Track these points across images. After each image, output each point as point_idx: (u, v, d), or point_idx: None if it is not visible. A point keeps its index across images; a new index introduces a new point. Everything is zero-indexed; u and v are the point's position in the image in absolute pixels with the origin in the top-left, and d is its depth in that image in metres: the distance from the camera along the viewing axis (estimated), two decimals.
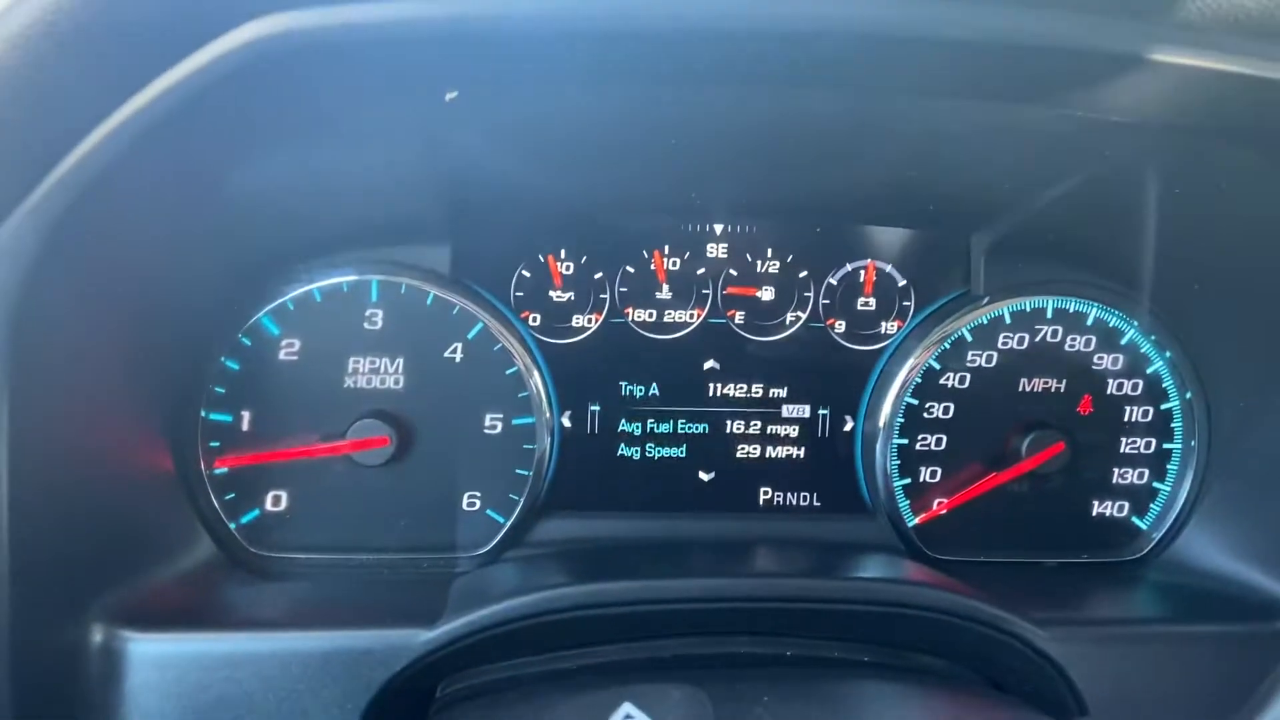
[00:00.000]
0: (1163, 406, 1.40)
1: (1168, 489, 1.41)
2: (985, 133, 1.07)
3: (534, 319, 1.35)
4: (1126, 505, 1.41)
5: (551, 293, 1.35)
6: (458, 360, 1.32)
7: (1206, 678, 1.15)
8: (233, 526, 1.30)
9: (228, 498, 1.29)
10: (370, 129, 1.03)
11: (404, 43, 0.78)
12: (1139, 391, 1.40)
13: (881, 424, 1.38)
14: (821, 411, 1.41)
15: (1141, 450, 1.40)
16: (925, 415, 1.39)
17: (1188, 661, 1.16)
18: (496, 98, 0.93)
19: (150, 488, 1.20)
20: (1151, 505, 1.41)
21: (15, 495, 0.92)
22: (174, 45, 0.76)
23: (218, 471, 1.29)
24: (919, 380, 1.38)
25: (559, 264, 1.35)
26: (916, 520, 1.40)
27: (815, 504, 1.42)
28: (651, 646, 1.16)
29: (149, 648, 1.04)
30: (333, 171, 1.12)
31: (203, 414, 1.28)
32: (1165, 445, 1.40)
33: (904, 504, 1.40)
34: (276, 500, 1.31)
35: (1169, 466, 1.40)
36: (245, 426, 1.29)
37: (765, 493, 1.42)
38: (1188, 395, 1.39)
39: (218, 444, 1.29)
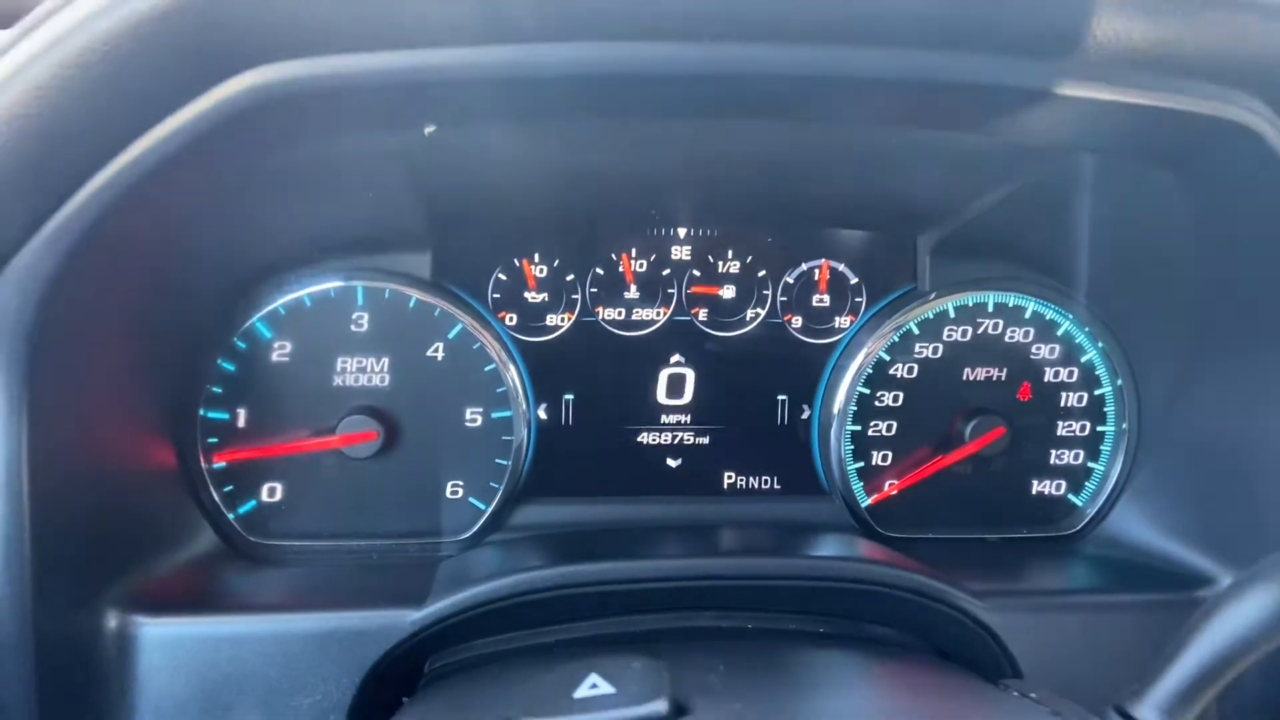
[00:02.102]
0: (1096, 392, 1.49)
1: (1101, 468, 1.50)
2: (920, 152, 1.17)
3: (510, 319, 1.43)
4: (1063, 484, 1.51)
5: (526, 294, 1.43)
6: (439, 359, 1.40)
7: (1132, 642, 1.24)
8: (231, 517, 1.37)
9: (226, 490, 1.37)
10: (356, 155, 1.11)
11: (387, 88, 0.86)
12: (1074, 379, 1.49)
13: (836, 411, 1.47)
14: (780, 400, 1.50)
15: (1077, 433, 1.50)
16: (876, 403, 1.48)
17: (1115, 628, 1.25)
18: (471, 130, 1.02)
19: (155, 482, 1.28)
20: (1086, 484, 1.51)
21: (36, 492, 0.99)
22: (184, 89, 0.84)
23: (216, 466, 1.36)
24: (870, 371, 1.47)
25: (533, 267, 1.43)
26: (869, 501, 1.50)
27: (775, 487, 1.51)
28: (624, 622, 1.24)
29: (159, 631, 1.11)
30: (321, 190, 1.19)
31: (201, 412, 1.35)
32: (1099, 428, 1.50)
33: (857, 486, 1.49)
34: (272, 492, 1.39)
35: (1102, 448, 1.50)
36: (241, 423, 1.37)
37: (729, 477, 1.51)
38: (1118, 382, 1.49)
39: (216, 440, 1.36)
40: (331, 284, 1.37)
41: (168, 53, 0.84)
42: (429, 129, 0.95)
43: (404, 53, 0.83)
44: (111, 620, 1.10)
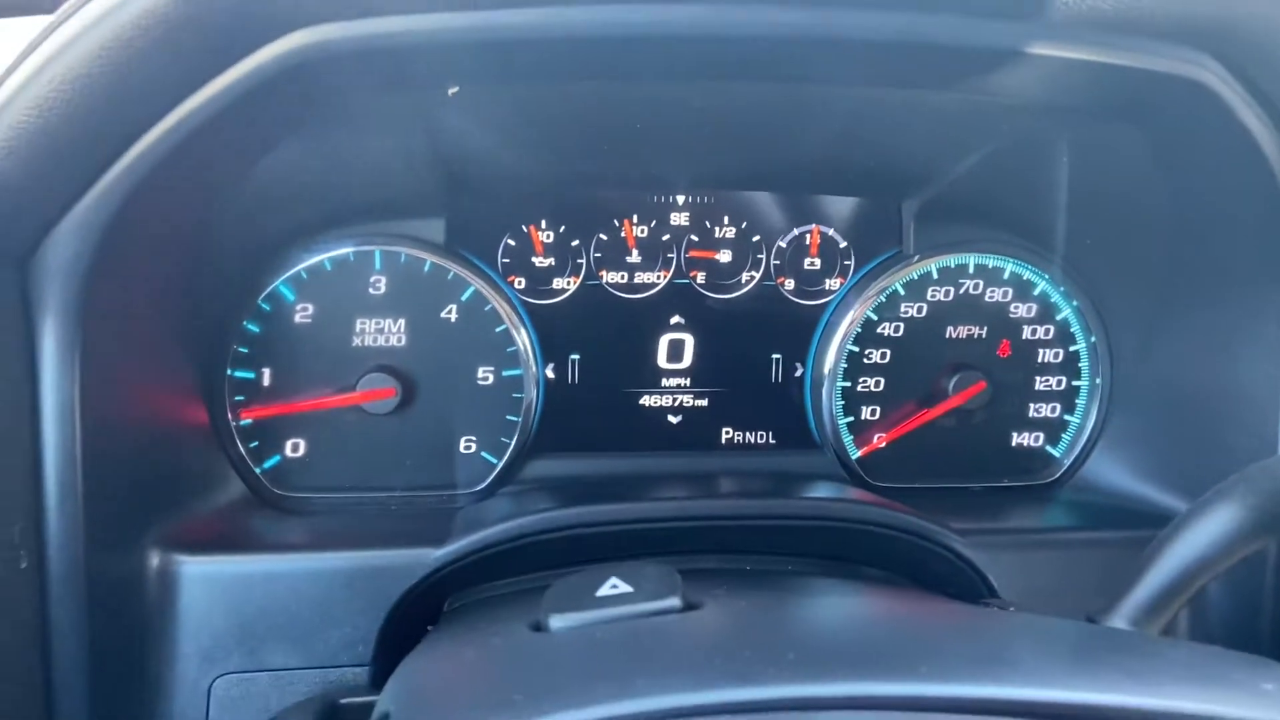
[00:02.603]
0: (1071, 348, 1.58)
1: (1077, 420, 1.59)
2: (902, 114, 1.25)
3: (519, 282, 1.50)
4: (1041, 435, 1.59)
5: (534, 259, 1.50)
6: (453, 320, 1.47)
7: (1106, 576, 1.33)
8: (258, 471, 1.44)
9: (252, 445, 1.43)
10: (377, 121, 1.18)
11: (414, 50, 0.94)
12: (1050, 336, 1.57)
13: (827, 370, 1.55)
14: (775, 359, 1.57)
15: (1053, 387, 1.58)
16: (865, 361, 1.56)
17: (1090, 563, 1.33)
18: (489, 92, 1.10)
19: (189, 436, 1.34)
20: (1063, 435, 1.59)
21: (87, 436, 1.07)
22: (229, 53, 0.92)
23: (243, 423, 1.43)
24: (859, 330, 1.54)
25: (540, 233, 1.50)
26: (859, 453, 1.57)
27: (770, 441, 1.59)
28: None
29: (198, 569, 1.17)
30: (343, 157, 1.26)
31: (229, 371, 1.42)
32: (1074, 383, 1.58)
33: (848, 439, 1.57)
34: (295, 447, 1.45)
35: (1077, 401, 1.58)
36: (266, 382, 1.43)
37: (726, 432, 1.58)
38: (1092, 339, 1.57)
39: (242, 398, 1.43)
40: (350, 249, 1.44)
41: (215, 20, 0.92)
42: (452, 90, 1.03)
43: (430, 16, 0.91)
44: (154, 559, 1.17)
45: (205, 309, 1.35)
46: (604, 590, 0.87)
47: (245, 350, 1.43)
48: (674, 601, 0.85)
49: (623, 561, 0.91)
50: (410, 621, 1.22)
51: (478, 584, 1.29)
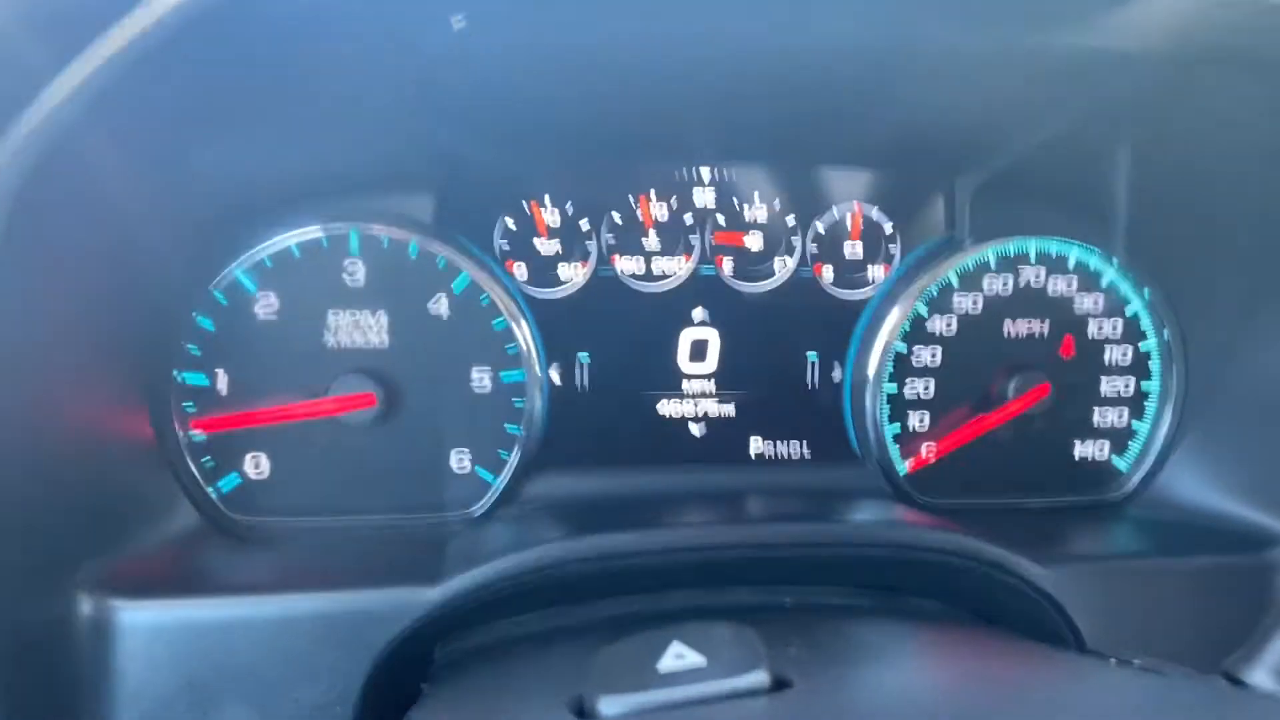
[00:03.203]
0: (1141, 347, 1.42)
1: (1147, 428, 1.43)
2: (979, 69, 1.07)
3: (520, 270, 1.33)
4: (1106, 446, 1.44)
5: (537, 242, 1.33)
6: (443, 314, 1.30)
7: (1200, 608, 1.17)
8: (212, 493, 1.26)
9: (206, 463, 1.26)
10: (355, 70, 0.98)
11: None
12: (1118, 332, 1.42)
13: (870, 372, 1.38)
14: (810, 359, 1.40)
15: (1121, 391, 1.43)
16: (913, 362, 1.39)
17: (1181, 593, 1.18)
18: (493, 32, 0.89)
19: (127, 455, 1.17)
20: (1130, 445, 1.44)
21: (7, 464, 0.87)
22: None
23: (195, 436, 1.25)
24: (907, 327, 1.38)
25: (544, 211, 1.33)
26: (906, 467, 1.40)
27: (805, 454, 1.42)
28: (653, 599, 1.14)
29: (139, 616, 1.00)
30: (314, 116, 1.07)
31: (177, 375, 1.23)
32: (1144, 385, 1.43)
33: (893, 451, 1.40)
34: (257, 464, 1.27)
35: (1147, 406, 1.43)
36: (222, 388, 1.26)
37: (756, 444, 1.41)
38: (1165, 335, 1.41)
39: (193, 406, 1.25)
40: (322, 230, 1.25)
41: None
42: (457, 21, 0.83)
43: None
44: (85, 604, 1.00)
45: (146, 299, 1.16)
46: (667, 662, 0.67)
47: (196, 350, 1.25)
48: (760, 677, 0.65)
49: (685, 622, 0.71)
50: (398, 676, 1.04)
51: (475, 625, 1.11)
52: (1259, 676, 0.84)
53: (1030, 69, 1.07)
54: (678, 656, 0.67)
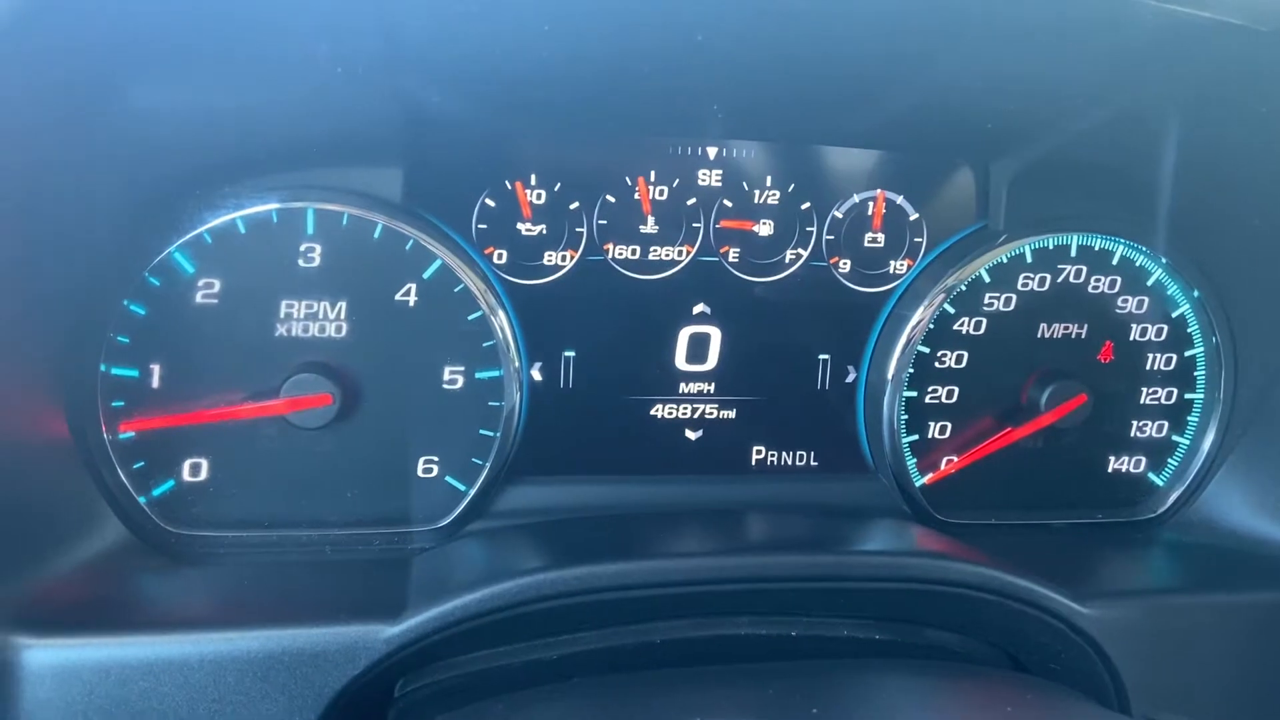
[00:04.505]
0: (1186, 353, 1.33)
1: (1187, 442, 1.35)
2: (1032, 34, 0.95)
3: (499, 256, 1.23)
4: (1143, 461, 1.36)
5: (520, 225, 1.23)
6: (411, 304, 1.19)
7: (1254, 652, 1.08)
8: (143, 501, 1.16)
9: (136, 467, 1.16)
10: (310, 16, 0.84)
11: None
12: (1163, 337, 1.33)
13: (889, 375, 1.28)
14: (822, 359, 1.30)
15: (1162, 401, 1.34)
16: (936, 365, 1.30)
17: (1234, 635, 1.10)
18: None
19: (41, 458, 1.08)
20: (1169, 460, 1.35)
21: None
22: None
23: (123, 436, 1.15)
24: (931, 326, 1.27)
25: (528, 192, 1.22)
26: (924, 480, 1.31)
27: (812, 464, 1.33)
28: (641, 630, 1.06)
29: (48, 655, 0.91)
30: (263, 73, 0.94)
31: (103, 368, 1.13)
32: (1186, 395, 1.34)
33: (910, 462, 1.31)
34: (195, 469, 1.18)
35: (1189, 418, 1.35)
36: (155, 383, 1.16)
37: (758, 452, 1.32)
38: (1214, 340, 1.33)
39: (122, 404, 1.15)
40: (273, 205, 1.15)
41: None
42: None
43: None
44: None
45: (67, 285, 1.05)
46: None
47: (126, 340, 1.15)
48: None
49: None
50: None
51: (438, 660, 1.00)
52: None
53: (1094, 39, 0.95)
54: None
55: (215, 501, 1.18)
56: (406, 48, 0.96)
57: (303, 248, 1.16)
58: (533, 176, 1.22)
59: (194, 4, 0.79)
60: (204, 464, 1.17)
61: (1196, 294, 1.31)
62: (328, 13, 0.88)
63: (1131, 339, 1.32)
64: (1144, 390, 1.34)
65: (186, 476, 1.17)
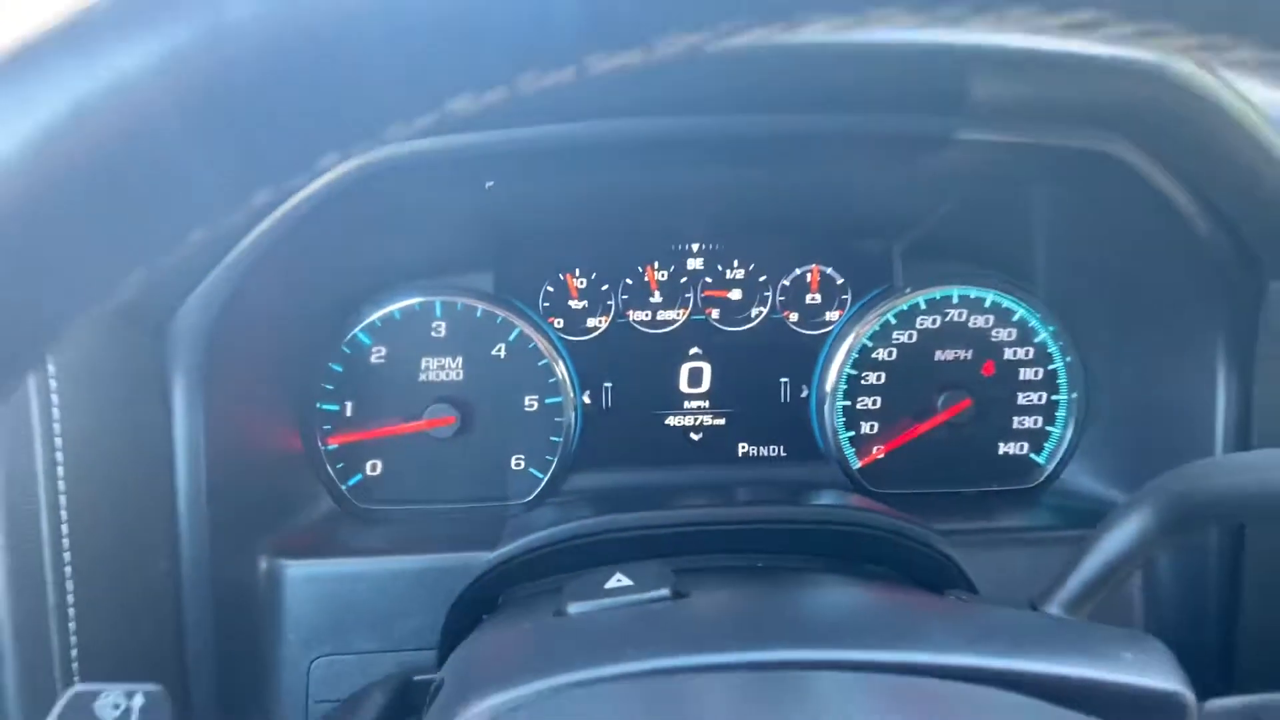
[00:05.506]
0: (1050, 367, 1.73)
1: (1057, 431, 1.74)
2: (881, 175, 1.45)
3: (558, 323, 1.68)
4: (1026, 445, 1.75)
5: (570, 302, 1.68)
6: (502, 357, 1.65)
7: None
8: (343, 488, 1.62)
9: (339, 467, 1.61)
10: (439, 204, 1.44)
11: (457, 161, 1.20)
12: (1030, 356, 1.72)
13: (829, 390, 1.73)
14: (783, 382, 1.76)
15: (1035, 402, 1.74)
16: (862, 382, 1.73)
17: (1059, 557, 1.52)
18: (529, 179, 1.36)
19: (287, 462, 1.55)
20: (1045, 444, 1.75)
21: (211, 470, 1.30)
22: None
23: (330, 447, 1.61)
24: (856, 355, 1.72)
25: (575, 280, 1.68)
26: (860, 463, 1.75)
27: (781, 454, 1.77)
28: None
29: (298, 571, 1.39)
30: (412, 230, 1.51)
31: (318, 405, 1.60)
32: (1054, 397, 1.74)
33: (849, 451, 1.74)
34: (374, 467, 1.63)
35: (1057, 414, 1.74)
36: (348, 413, 1.61)
37: (742, 447, 1.77)
38: (1068, 359, 1.72)
39: (329, 427, 1.61)
40: (416, 299, 1.63)
41: None
42: (489, 184, 1.29)
43: (473, 134, 1.17)
44: (263, 563, 1.39)
45: (299, 356, 1.57)
46: (610, 584, 1.11)
47: (330, 387, 1.62)
48: (664, 592, 1.08)
49: (629, 562, 1.15)
50: (469, 612, 1.45)
51: (529, 580, 1.54)
52: (1051, 606, 1.20)
53: (910, 174, 1.45)
54: (618, 580, 1.11)
55: (386, 487, 1.62)
56: (493, 216, 1.52)
57: (434, 325, 1.62)
58: (577, 270, 1.68)
59: (378, 210, 1.39)
60: (379, 464, 1.63)
61: (1052, 327, 1.71)
62: (450, 204, 1.46)
63: (1005, 359, 1.72)
64: (1020, 394, 1.73)
65: (368, 472, 1.62)
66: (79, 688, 0.85)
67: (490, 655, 1.06)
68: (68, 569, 1.10)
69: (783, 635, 0.96)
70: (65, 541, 1.09)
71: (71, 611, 1.09)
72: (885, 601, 1.19)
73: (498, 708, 0.88)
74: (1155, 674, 0.94)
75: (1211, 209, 1.28)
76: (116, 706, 0.85)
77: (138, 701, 0.86)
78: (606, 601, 1.07)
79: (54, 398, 1.13)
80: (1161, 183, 1.26)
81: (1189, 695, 0.93)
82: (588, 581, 1.12)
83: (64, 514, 1.10)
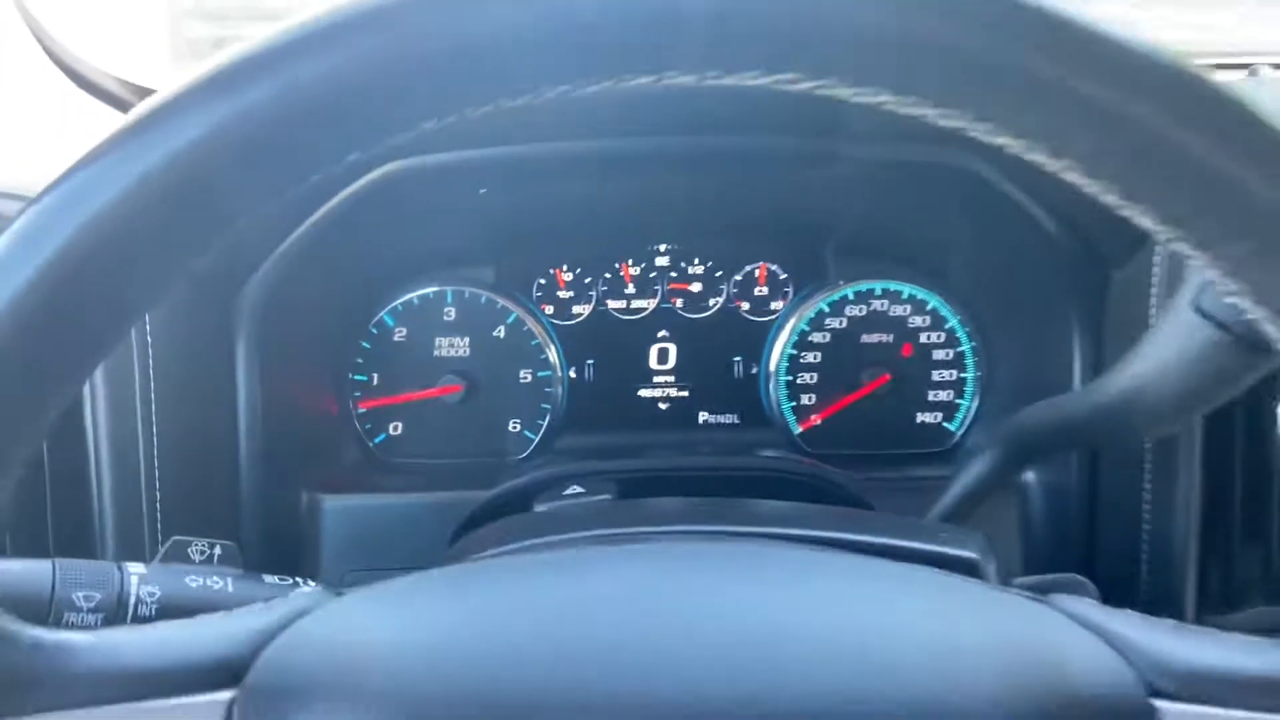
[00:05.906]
0: (958, 349, 2.04)
1: (965, 403, 2.05)
2: (805, 188, 1.81)
3: (549, 309, 1.88)
4: (940, 415, 2.06)
5: (559, 293, 1.89)
6: (502, 337, 1.87)
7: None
8: (371, 445, 1.83)
9: (367, 427, 1.83)
10: (449, 208, 1.82)
11: (466, 171, 1.57)
12: (942, 340, 2.03)
13: (774, 368, 2.04)
14: (736, 360, 2.08)
15: (947, 378, 2.05)
16: (802, 361, 2.04)
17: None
18: (521, 189, 1.73)
19: (327, 421, 1.78)
20: (957, 415, 2.07)
21: (266, 421, 1.70)
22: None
23: (360, 411, 1.83)
24: (796, 338, 2.04)
25: (563, 274, 1.88)
26: (800, 429, 2.07)
27: (735, 421, 2.07)
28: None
29: (335, 504, 1.65)
30: (427, 227, 1.88)
31: (351, 375, 1.83)
32: (961, 375, 2.06)
33: (791, 419, 2.04)
34: (396, 428, 1.86)
35: (966, 388, 2.05)
36: (375, 383, 1.84)
37: (702, 415, 2.06)
38: (973, 342, 2.03)
39: (360, 394, 1.83)
40: (431, 289, 1.86)
41: None
42: (482, 190, 1.66)
43: (480, 150, 1.53)
44: (305, 497, 1.66)
45: (336, 334, 1.79)
46: (568, 492, 1.47)
47: (361, 361, 1.84)
48: (607, 497, 1.44)
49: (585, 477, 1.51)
50: (466, 529, 1.82)
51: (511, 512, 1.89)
52: None
53: (825, 186, 1.82)
54: (574, 489, 1.47)
55: (406, 444, 1.83)
56: (501, 214, 1.91)
57: (445, 310, 1.83)
58: (565, 265, 1.94)
59: (398, 245, 1.76)
60: (400, 425, 1.83)
61: (959, 315, 2.01)
62: (454, 208, 1.85)
63: (921, 342, 2.01)
64: (934, 372, 2.03)
65: (391, 432, 1.83)
66: (177, 537, 1.21)
67: (479, 536, 1.42)
68: (156, 472, 1.47)
69: (691, 517, 1.30)
70: (155, 449, 1.46)
71: (158, 495, 1.45)
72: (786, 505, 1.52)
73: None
74: (959, 547, 1.26)
75: (1055, 211, 1.62)
76: (203, 552, 1.19)
77: (218, 551, 1.20)
78: (560, 502, 1.42)
79: (150, 350, 1.50)
80: (1009, 190, 1.60)
81: (988, 564, 1.25)
82: (553, 491, 1.48)
83: (155, 431, 1.47)
